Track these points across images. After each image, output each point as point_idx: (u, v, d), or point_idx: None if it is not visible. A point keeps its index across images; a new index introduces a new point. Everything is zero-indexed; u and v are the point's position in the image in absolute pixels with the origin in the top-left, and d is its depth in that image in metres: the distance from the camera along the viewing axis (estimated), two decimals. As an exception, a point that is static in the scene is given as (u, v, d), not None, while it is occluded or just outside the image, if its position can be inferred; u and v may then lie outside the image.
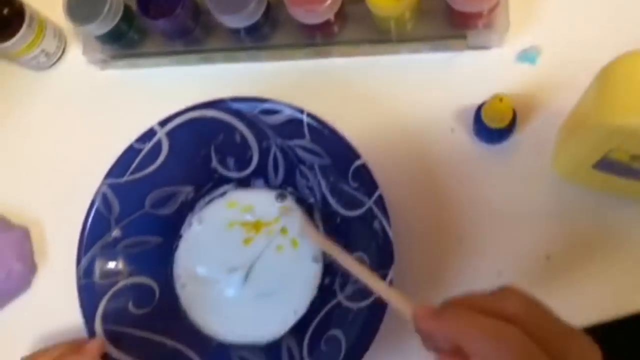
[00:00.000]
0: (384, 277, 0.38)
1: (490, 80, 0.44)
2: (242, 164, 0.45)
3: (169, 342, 0.42)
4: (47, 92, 0.54)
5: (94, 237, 0.42)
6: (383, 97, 0.47)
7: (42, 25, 0.50)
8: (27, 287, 0.48)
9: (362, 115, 0.46)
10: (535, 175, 0.44)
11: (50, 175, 0.51)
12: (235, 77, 0.45)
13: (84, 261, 0.41)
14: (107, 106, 0.52)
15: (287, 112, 0.42)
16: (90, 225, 0.42)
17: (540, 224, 0.43)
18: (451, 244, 0.44)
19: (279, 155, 0.44)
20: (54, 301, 0.47)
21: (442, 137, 0.46)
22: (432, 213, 0.44)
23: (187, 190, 0.45)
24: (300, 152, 0.43)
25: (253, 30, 0.46)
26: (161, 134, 0.43)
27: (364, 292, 0.39)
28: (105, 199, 0.42)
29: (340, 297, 0.41)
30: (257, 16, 0.44)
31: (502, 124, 0.42)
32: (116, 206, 0.43)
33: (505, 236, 0.43)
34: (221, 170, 0.45)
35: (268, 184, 0.46)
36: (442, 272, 0.43)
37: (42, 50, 0.51)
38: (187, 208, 0.46)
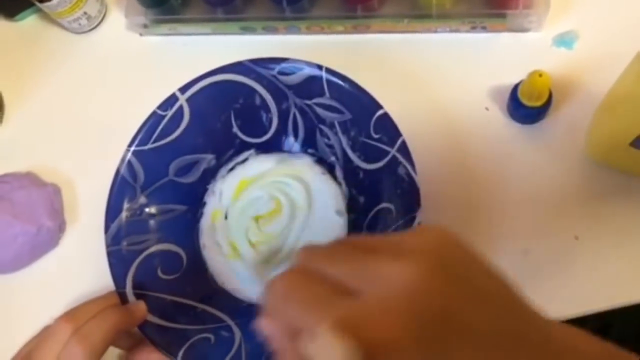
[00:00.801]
0: (412, 220, 0.38)
1: (526, 62, 0.44)
2: (262, 128, 0.46)
3: (199, 306, 0.42)
4: (86, 56, 0.55)
5: (120, 204, 0.42)
6: (419, 74, 0.48)
7: (86, -13, 0.51)
8: (55, 244, 0.48)
9: (396, 91, 0.46)
10: (567, 157, 0.44)
11: (83, 137, 0.52)
12: (273, 49, 0.46)
13: (112, 228, 0.42)
14: (144, 72, 0.53)
15: (306, 70, 0.42)
16: (117, 192, 0.42)
17: (570, 204, 0.43)
18: (480, 221, 0.44)
19: (299, 117, 0.45)
20: (81, 261, 0.47)
21: (476, 116, 0.46)
22: (462, 190, 0.45)
23: (208, 158, 0.46)
24: (320, 111, 0.44)
25: (294, 1, 0.47)
26: (182, 100, 0.43)
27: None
28: (130, 167, 0.43)
29: (369, 249, 0.41)
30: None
31: (538, 102, 0.43)
32: (141, 174, 0.43)
33: (535, 215, 0.44)
34: (241, 135, 0.46)
35: (289, 147, 0.46)
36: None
37: (85, 13, 0.52)
38: (209, 176, 0.46)
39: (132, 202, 0.43)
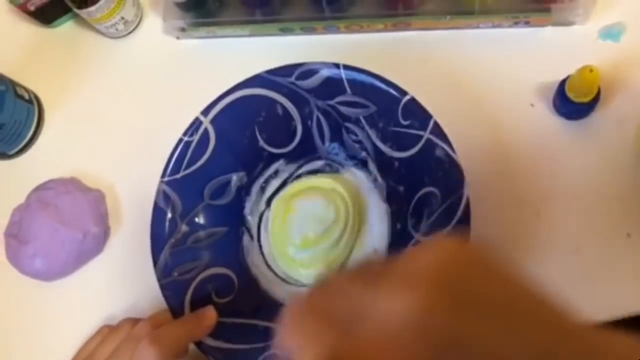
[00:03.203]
0: (459, 199, 0.38)
1: (572, 57, 0.44)
2: (288, 137, 0.46)
3: (260, 323, 0.42)
4: (123, 60, 0.55)
5: (163, 236, 0.42)
6: (462, 70, 0.48)
7: (123, -8, 0.52)
8: (100, 250, 0.49)
9: (440, 88, 0.46)
10: (616, 152, 0.44)
11: (124, 142, 0.52)
12: (311, 49, 0.47)
13: (160, 261, 0.41)
14: (182, 75, 0.53)
15: (324, 71, 0.42)
16: (157, 225, 0.42)
17: (622, 201, 0.43)
18: (529, 218, 0.44)
19: (322, 119, 0.45)
20: (126, 266, 0.48)
21: (521, 112, 0.46)
22: (510, 187, 0.45)
23: (240, 176, 0.46)
24: (343, 109, 0.44)
25: (334, 1, 0.47)
26: (206, 122, 0.43)
27: (440, 222, 0.39)
28: (166, 198, 0.43)
29: (418, 236, 0.41)
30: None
31: (587, 97, 0.43)
32: (178, 203, 0.43)
33: (585, 212, 0.43)
34: (269, 148, 0.46)
35: (316, 151, 0.46)
36: (519, 245, 0.43)
37: (122, 18, 0.53)
38: (244, 193, 0.46)
39: (175, 232, 0.43)
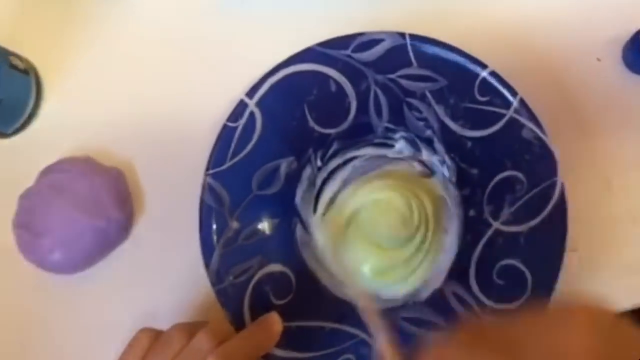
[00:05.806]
0: (552, 186, 0.34)
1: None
2: (341, 115, 0.41)
3: (326, 324, 0.39)
4: (131, 18, 0.47)
5: (213, 235, 0.38)
6: (528, 25, 0.45)
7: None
8: (125, 237, 0.43)
9: (506, 44, 0.43)
10: None
11: (137, 113, 0.46)
12: (366, 9, 0.42)
13: (212, 264, 0.37)
14: (211, 35, 0.46)
15: (386, 42, 0.37)
16: (206, 223, 0.38)
17: None
18: (598, 175, 0.41)
19: (380, 94, 0.40)
20: (156, 251, 0.43)
21: (588, 67, 0.44)
22: (576, 141, 0.42)
23: (289, 161, 0.41)
24: (406, 83, 0.39)
25: None
26: (252, 105, 0.38)
27: (528, 211, 0.35)
28: (213, 192, 0.38)
29: (497, 225, 0.37)
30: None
31: None
32: (225, 196, 0.38)
33: None
34: (319, 128, 0.41)
35: (373, 131, 0.41)
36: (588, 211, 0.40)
37: None
38: (294, 180, 0.41)
39: (225, 229, 0.38)
